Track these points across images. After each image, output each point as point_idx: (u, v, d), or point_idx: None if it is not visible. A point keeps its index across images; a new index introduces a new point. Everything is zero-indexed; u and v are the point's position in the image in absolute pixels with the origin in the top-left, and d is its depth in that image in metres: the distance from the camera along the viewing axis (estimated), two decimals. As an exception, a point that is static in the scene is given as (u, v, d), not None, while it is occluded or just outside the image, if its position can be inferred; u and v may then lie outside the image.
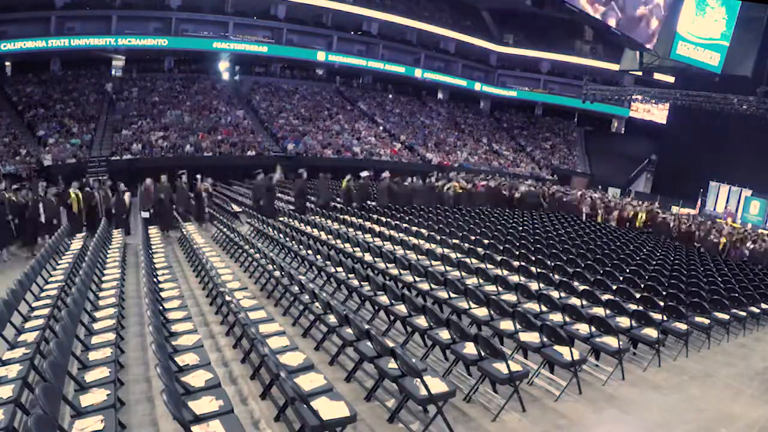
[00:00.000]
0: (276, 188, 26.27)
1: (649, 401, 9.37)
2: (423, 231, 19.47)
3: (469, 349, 8.61)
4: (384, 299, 11.07)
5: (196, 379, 7.11)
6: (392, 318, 10.89)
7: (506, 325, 10.04)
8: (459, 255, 15.92)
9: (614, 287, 13.16)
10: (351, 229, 20.00)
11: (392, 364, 7.74)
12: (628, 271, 15.94)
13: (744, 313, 13.73)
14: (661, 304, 11.90)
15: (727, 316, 13.02)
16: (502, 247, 17.30)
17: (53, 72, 42.16)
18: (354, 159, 43.38)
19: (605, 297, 11.72)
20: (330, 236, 18.23)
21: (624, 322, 10.72)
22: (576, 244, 20.11)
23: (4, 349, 8.30)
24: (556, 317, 10.72)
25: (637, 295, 12.47)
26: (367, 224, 20.60)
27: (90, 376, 7.18)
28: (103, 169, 32.23)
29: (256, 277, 15.10)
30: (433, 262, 15.10)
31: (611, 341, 9.76)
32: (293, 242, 16.99)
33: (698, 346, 12.27)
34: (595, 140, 62.14)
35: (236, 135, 41.76)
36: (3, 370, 7.33)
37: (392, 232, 19.22)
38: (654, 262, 18.34)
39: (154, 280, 11.72)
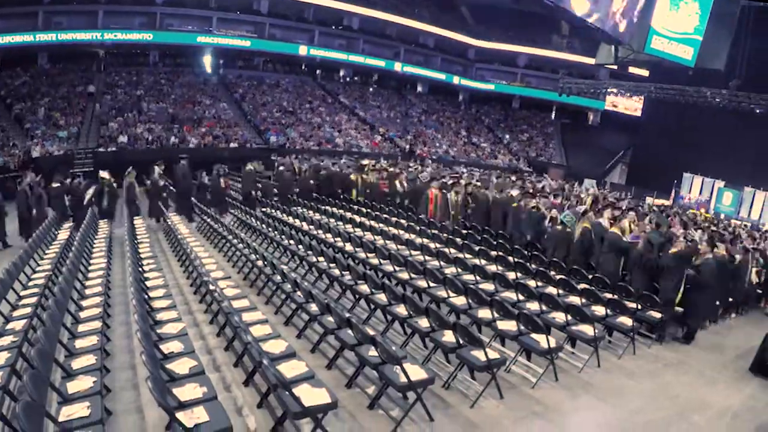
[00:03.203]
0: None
1: (624, 388, 9.42)
2: (403, 221, 19.46)
3: (448, 337, 8.65)
4: (364, 288, 11.10)
5: (181, 366, 7.11)
6: (373, 307, 10.90)
7: (484, 313, 10.06)
8: (438, 245, 15.90)
9: (590, 276, 13.16)
10: (332, 220, 19.97)
11: (372, 352, 7.77)
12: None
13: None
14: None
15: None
16: (480, 237, 17.32)
17: (40, 66, 41.91)
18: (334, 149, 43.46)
19: (581, 286, 11.73)
20: (312, 226, 18.19)
21: (599, 310, 10.78)
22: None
23: (-7, 337, 8.27)
24: (533, 306, 10.76)
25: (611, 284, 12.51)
26: (348, 215, 20.59)
27: (77, 364, 7.17)
28: (89, 161, 32.12)
29: (239, 266, 15.09)
30: (413, 252, 15.11)
31: (587, 329, 9.81)
32: (276, 232, 16.98)
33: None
34: (571, 132, 62.27)
35: (220, 127, 41.72)
36: (-9, 357, 7.29)
37: (372, 223, 19.20)
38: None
39: (140, 269, 11.69)
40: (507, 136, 60.94)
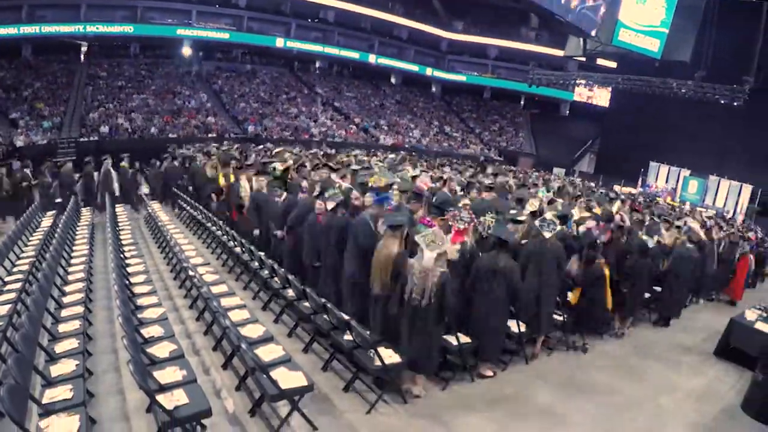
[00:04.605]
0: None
1: (592, 372, 9.59)
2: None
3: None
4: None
5: (161, 350, 7.13)
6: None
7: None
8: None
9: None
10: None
11: (348, 337, 7.81)
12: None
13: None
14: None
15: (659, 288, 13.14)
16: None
17: (24, 58, 41.51)
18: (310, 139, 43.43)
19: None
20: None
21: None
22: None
23: (-23, 322, 8.24)
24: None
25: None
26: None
27: (60, 347, 7.18)
28: (72, 150, 31.97)
29: (218, 253, 15.10)
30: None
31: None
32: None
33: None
34: (541, 122, 62.65)
35: (199, 118, 41.67)
36: (-24, 342, 7.27)
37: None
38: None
39: (121, 256, 11.65)
40: (478, 126, 61.15)
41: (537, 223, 9.66)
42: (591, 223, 11.66)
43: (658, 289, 13.01)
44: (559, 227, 9.64)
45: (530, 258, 9.43)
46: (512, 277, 8.41)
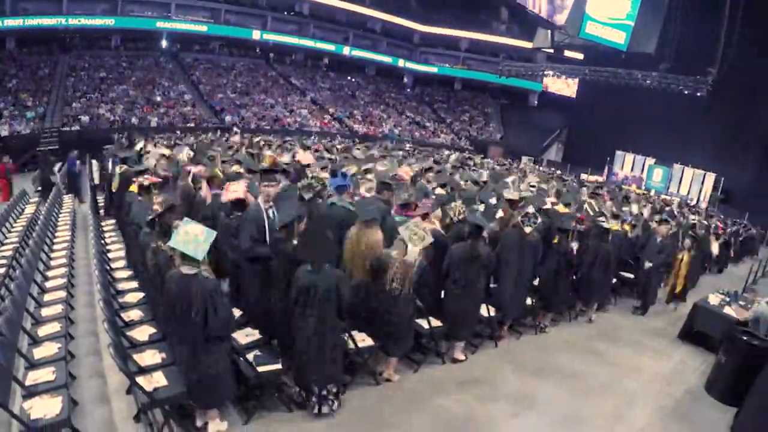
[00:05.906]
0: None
1: (561, 356, 9.69)
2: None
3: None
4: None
5: (141, 333, 7.16)
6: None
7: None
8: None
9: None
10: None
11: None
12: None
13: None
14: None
15: (632, 275, 13.41)
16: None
17: (8, 50, 41.22)
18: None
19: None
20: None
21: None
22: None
23: (-38, 307, 8.19)
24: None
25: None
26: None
27: (42, 331, 7.19)
28: (55, 140, 31.84)
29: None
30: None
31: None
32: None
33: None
34: (510, 113, 63.04)
35: (178, 108, 41.49)
36: (-39, 326, 7.24)
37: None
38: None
39: (102, 242, 11.60)
40: (449, 116, 61.43)
41: (519, 218, 9.66)
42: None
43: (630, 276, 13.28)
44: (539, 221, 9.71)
45: (511, 247, 9.42)
46: (489, 264, 8.53)
